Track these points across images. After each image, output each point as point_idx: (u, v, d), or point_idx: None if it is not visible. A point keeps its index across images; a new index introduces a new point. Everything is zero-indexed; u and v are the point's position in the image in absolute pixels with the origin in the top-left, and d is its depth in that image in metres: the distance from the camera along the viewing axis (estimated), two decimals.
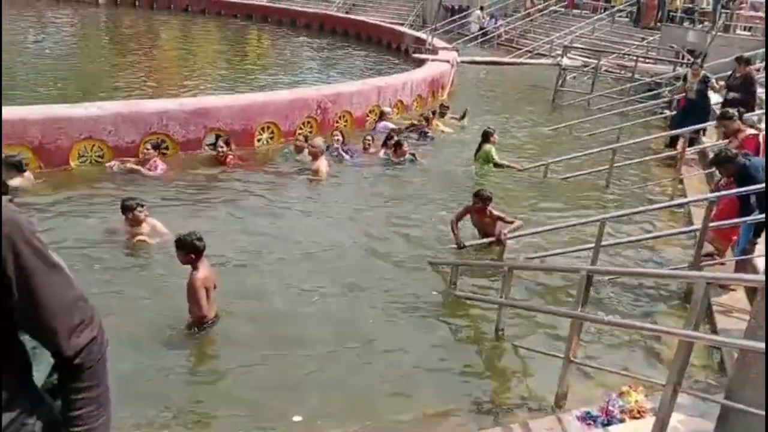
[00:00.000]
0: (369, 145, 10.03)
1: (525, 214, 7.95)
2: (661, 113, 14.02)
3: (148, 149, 8.35)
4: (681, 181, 9.12)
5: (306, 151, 9.06)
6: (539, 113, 14.69)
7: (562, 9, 26.26)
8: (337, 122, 11.21)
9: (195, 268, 4.79)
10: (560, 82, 16.19)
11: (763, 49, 13.82)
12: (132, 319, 4.90)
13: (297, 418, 4.06)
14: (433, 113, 11.97)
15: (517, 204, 8.35)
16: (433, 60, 15.86)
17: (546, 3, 26.53)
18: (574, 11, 26.11)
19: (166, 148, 8.90)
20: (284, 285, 5.76)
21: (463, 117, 12.57)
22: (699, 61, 12.60)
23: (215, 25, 25.76)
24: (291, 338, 4.95)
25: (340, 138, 9.74)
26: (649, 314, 5.70)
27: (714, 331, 5.11)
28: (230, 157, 8.78)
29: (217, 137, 9.03)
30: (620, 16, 24.51)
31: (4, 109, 8.73)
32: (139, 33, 23.11)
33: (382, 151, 9.89)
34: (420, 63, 15.88)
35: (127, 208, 6.21)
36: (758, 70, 12.67)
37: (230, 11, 27.35)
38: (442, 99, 15.03)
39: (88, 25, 24.41)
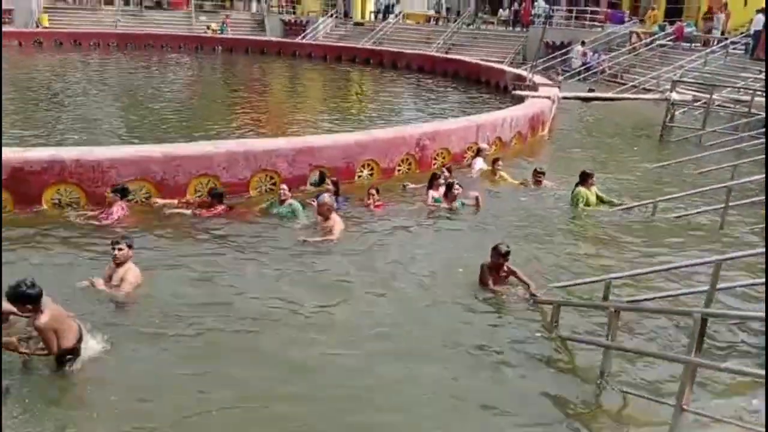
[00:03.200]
0: (372, 198, 8.80)
1: (632, 254, 7.66)
2: None
3: (108, 194, 7.87)
4: None
5: (290, 201, 8.42)
6: (646, 150, 14.17)
7: (671, 43, 25.34)
8: (435, 159, 11.33)
9: (36, 314, 4.51)
10: (669, 117, 15.55)
11: None
12: None
13: None
14: (495, 161, 10.93)
15: (624, 244, 8.04)
16: (533, 96, 15.75)
17: (653, 38, 25.71)
18: (684, 44, 25.10)
19: (272, 183, 9.35)
20: (379, 331, 5.87)
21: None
22: None
23: (321, 68, 27.05)
24: (395, 378, 5.03)
25: (332, 187, 8.95)
26: None
27: None
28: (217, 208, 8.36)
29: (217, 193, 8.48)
30: (734, 49, 23.30)
31: (132, 147, 9.57)
32: (251, 76, 24.61)
33: (431, 195, 9.15)
34: (520, 100, 15.81)
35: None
36: None
37: (334, 54, 28.61)
38: (542, 134, 14.85)
39: (206, 69, 26.31)
